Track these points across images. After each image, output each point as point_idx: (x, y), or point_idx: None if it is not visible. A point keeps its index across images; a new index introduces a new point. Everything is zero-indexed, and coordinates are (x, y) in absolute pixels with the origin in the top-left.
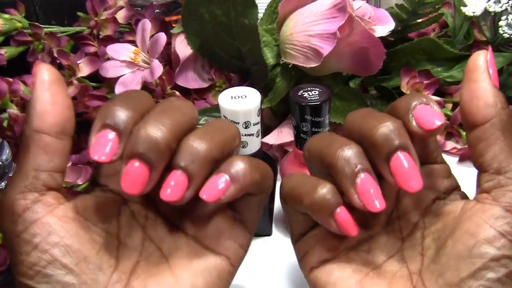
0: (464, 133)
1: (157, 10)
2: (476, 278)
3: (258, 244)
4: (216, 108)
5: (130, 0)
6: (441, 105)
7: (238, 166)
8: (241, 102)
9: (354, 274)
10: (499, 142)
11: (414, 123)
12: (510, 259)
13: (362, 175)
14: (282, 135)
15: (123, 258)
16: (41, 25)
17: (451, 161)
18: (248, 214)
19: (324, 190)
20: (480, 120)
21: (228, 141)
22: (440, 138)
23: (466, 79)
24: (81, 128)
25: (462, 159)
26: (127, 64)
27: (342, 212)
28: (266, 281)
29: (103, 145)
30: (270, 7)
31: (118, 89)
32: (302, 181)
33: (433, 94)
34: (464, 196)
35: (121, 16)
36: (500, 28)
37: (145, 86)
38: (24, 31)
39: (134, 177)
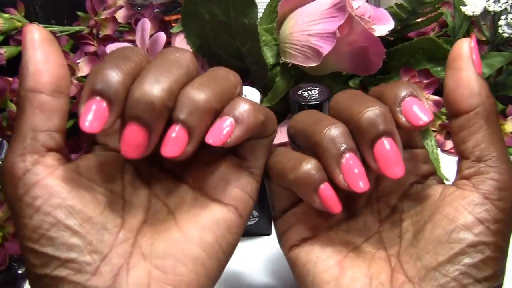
0: None
1: (156, 10)
2: (453, 263)
3: (258, 244)
4: None
5: (129, 0)
6: (441, 104)
7: (242, 107)
8: None
9: (334, 254)
10: (482, 131)
11: (401, 116)
12: (486, 245)
13: (347, 154)
14: (282, 135)
15: (129, 217)
16: (40, 25)
17: (451, 160)
18: (254, 160)
19: (309, 165)
20: (465, 108)
21: (228, 89)
22: (439, 137)
23: (450, 67)
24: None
25: None
26: None
27: (326, 188)
28: (266, 281)
29: (93, 115)
30: (269, 6)
31: None
32: (287, 156)
33: (433, 94)
34: (440, 181)
35: (120, 15)
36: (499, 28)
37: None
38: None
39: (133, 141)
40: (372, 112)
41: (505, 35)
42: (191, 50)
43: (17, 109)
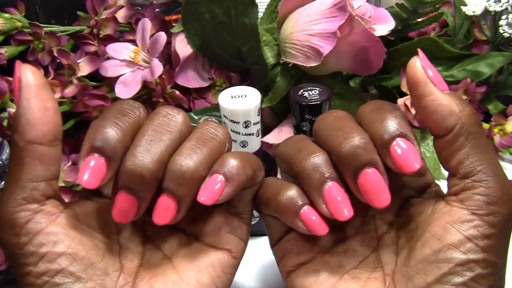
0: None
1: (157, 9)
2: (442, 283)
3: (258, 244)
4: (216, 108)
5: (130, 0)
6: None
7: (231, 164)
8: (241, 101)
9: (329, 277)
10: (463, 148)
11: (389, 159)
12: (476, 263)
13: (329, 183)
14: (282, 135)
15: (126, 262)
16: (41, 25)
17: None
18: (242, 207)
19: (289, 192)
20: (442, 132)
21: (217, 150)
22: None
23: (412, 96)
24: (81, 128)
25: None
26: (127, 63)
27: (308, 212)
28: (266, 281)
29: (91, 171)
30: (270, 6)
31: (118, 88)
32: (271, 184)
33: None
34: (438, 193)
35: (121, 15)
36: (500, 28)
37: (145, 85)
38: (24, 30)
39: (123, 208)
40: (352, 144)
41: (506, 35)
42: (181, 113)
43: (13, 157)
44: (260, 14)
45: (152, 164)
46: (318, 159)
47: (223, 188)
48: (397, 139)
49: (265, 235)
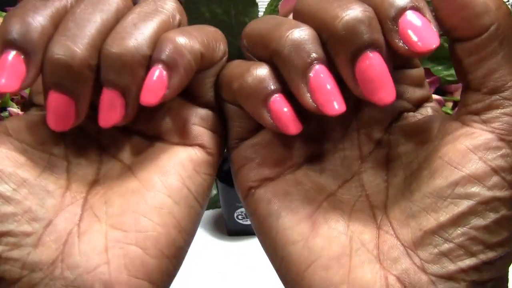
0: None
1: None
2: (459, 225)
3: (257, 243)
4: None
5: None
6: (442, 104)
7: (170, 47)
8: None
9: (304, 204)
10: (495, 55)
11: (397, 39)
12: (502, 202)
13: (316, 66)
14: None
15: (75, 178)
16: None
17: None
18: (206, 93)
19: (259, 71)
20: (472, 33)
21: (164, 24)
22: None
23: None
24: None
25: None
26: None
27: (279, 100)
28: (266, 280)
29: (8, 71)
30: (270, 6)
31: None
32: (237, 64)
33: (434, 93)
34: (437, 110)
35: None
36: None
37: None
38: None
39: (58, 111)
40: (352, 16)
41: None
42: None
43: None
44: (260, 14)
45: (81, 49)
46: (304, 33)
47: (166, 80)
48: (409, 11)
49: None
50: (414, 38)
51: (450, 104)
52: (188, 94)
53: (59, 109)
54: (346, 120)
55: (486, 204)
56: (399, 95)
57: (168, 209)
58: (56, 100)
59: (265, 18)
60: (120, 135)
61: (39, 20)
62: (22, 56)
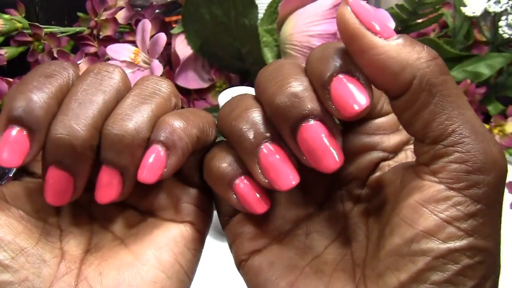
0: None
1: (157, 11)
2: (419, 282)
3: None
4: (216, 108)
5: (130, 1)
6: None
7: (169, 129)
8: None
9: (287, 274)
10: (428, 105)
11: (330, 102)
12: (460, 251)
13: (265, 144)
14: None
15: (69, 247)
16: (41, 26)
17: None
18: (198, 174)
19: (224, 158)
20: (399, 92)
21: (161, 107)
22: None
23: (352, 54)
24: None
25: None
26: (127, 64)
27: (242, 183)
28: None
29: (11, 146)
30: (270, 7)
31: None
32: (212, 149)
33: None
34: (413, 154)
35: (121, 16)
36: (500, 29)
37: None
38: (24, 31)
39: (56, 187)
40: (286, 92)
41: (506, 36)
42: (117, 69)
43: None
44: (260, 15)
45: (83, 130)
46: (251, 116)
47: (165, 160)
48: (339, 76)
49: None
50: (345, 102)
51: None
52: (179, 174)
53: (57, 184)
54: (326, 181)
55: (443, 258)
56: (374, 146)
57: (161, 284)
58: (55, 176)
59: (230, 100)
60: (112, 208)
61: (43, 98)
62: (25, 132)
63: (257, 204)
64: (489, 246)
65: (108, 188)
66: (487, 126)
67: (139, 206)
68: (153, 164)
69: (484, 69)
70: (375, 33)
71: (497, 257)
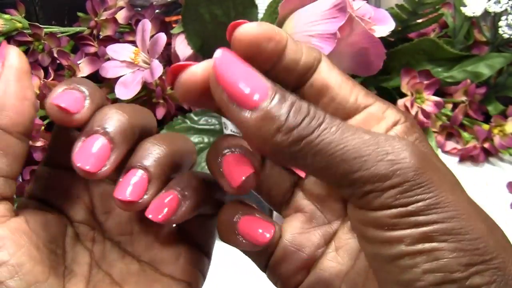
0: (464, 134)
1: (157, 11)
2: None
3: None
4: None
5: (130, 1)
6: (441, 105)
7: (189, 181)
8: None
9: None
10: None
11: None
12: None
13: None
14: None
15: (69, 286)
16: (41, 26)
17: (451, 161)
18: (203, 237)
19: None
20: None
21: (183, 156)
22: (440, 138)
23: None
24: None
25: (462, 159)
26: (127, 64)
27: (244, 220)
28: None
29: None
30: (270, 7)
31: (118, 89)
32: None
33: (433, 94)
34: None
35: (121, 16)
36: (500, 29)
37: (145, 86)
38: (24, 31)
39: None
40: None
41: (506, 36)
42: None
43: None
44: (260, 15)
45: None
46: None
47: (177, 206)
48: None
49: None
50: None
51: (449, 106)
52: (187, 234)
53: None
54: (340, 197)
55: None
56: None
57: None
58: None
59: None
60: (114, 253)
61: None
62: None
63: (260, 236)
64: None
65: (136, 187)
66: (487, 126)
67: (142, 256)
68: (165, 205)
69: (484, 69)
70: (242, 101)
71: None
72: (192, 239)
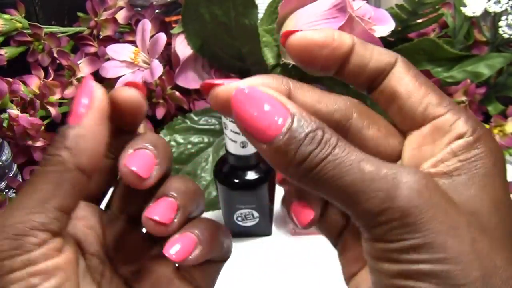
0: None
1: (157, 11)
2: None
3: (258, 244)
4: None
5: (130, 1)
6: None
7: (206, 227)
8: None
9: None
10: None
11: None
12: None
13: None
14: None
15: None
16: (41, 26)
17: None
18: (205, 281)
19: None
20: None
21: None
22: None
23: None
24: None
25: None
26: (127, 64)
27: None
28: (266, 281)
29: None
30: (270, 7)
31: None
32: None
33: None
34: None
35: (121, 16)
36: (500, 29)
37: (145, 86)
38: (24, 31)
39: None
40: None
41: (506, 36)
42: None
43: (49, 175)
44: (260, 15)
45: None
46: None
47: (194, 247)
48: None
49: (265, 235)
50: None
51: None
52: (190, 276)
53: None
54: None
55: None
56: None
57: None
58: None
59: None
60: (120, 287)
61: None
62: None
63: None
64: None
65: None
66: (487, 126)
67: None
68: (183, 246)
69: (484, 69)
70: (258, 135)
71: None
72: (195, 283)
